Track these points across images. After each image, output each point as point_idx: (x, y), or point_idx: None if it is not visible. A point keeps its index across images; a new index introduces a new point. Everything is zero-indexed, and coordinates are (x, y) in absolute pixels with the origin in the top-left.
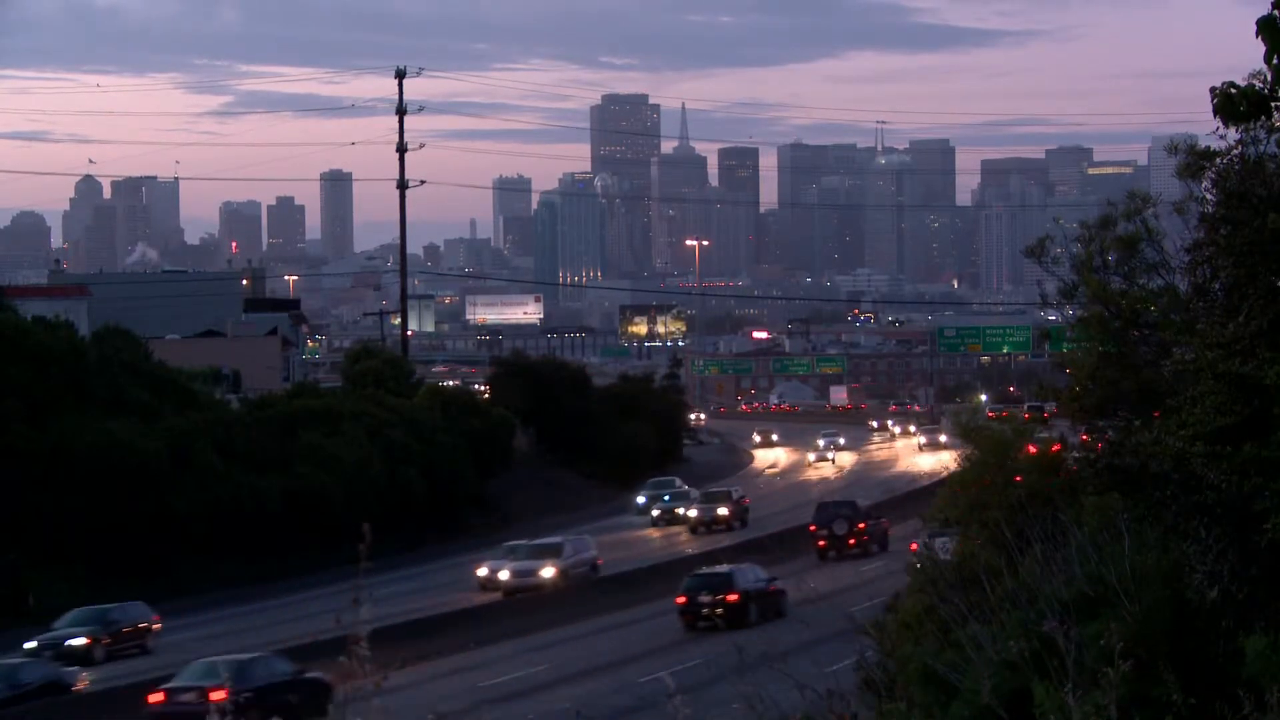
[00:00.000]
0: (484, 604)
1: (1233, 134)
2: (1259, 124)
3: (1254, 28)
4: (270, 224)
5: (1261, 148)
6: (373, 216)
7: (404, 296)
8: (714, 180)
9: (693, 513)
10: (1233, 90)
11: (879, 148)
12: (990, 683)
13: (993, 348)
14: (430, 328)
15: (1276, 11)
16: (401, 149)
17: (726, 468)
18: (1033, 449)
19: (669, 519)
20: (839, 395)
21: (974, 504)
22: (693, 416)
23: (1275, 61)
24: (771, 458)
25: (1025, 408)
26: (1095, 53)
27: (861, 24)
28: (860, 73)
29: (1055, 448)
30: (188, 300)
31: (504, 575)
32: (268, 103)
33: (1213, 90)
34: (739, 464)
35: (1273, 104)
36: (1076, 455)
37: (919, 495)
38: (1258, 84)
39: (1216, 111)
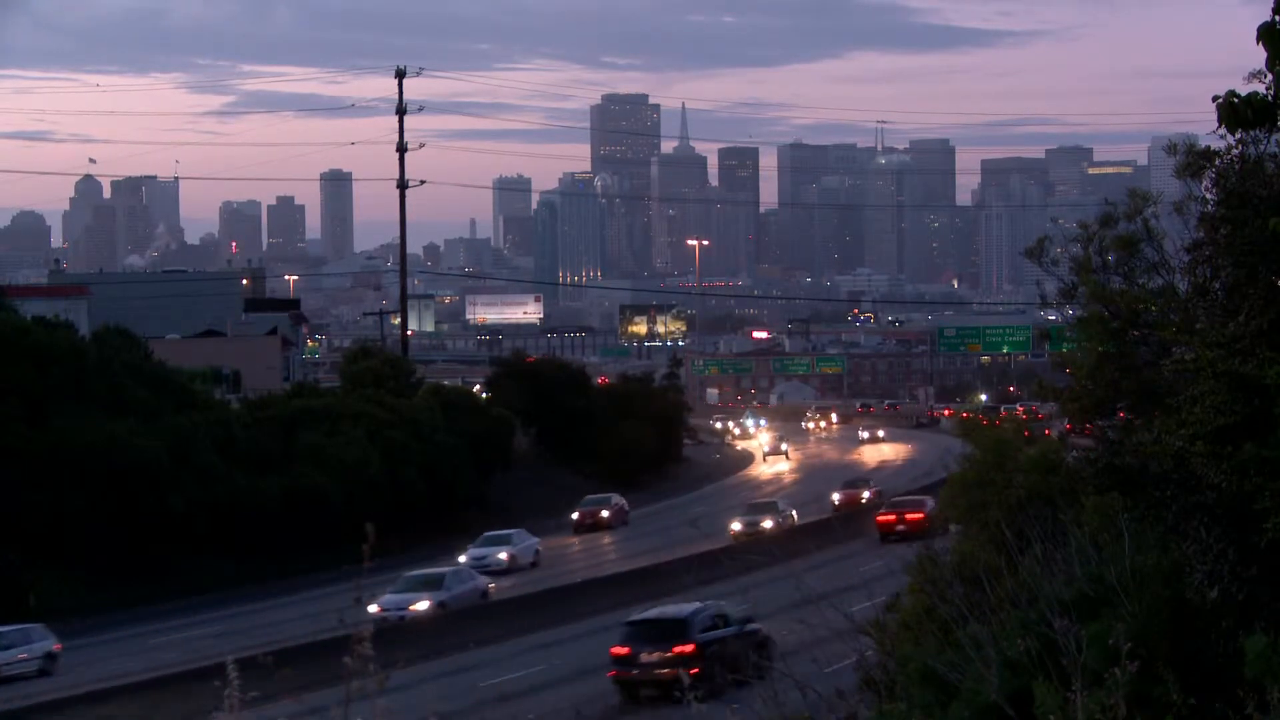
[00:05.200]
0: (484, 604)
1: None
2: (1263, 130)
3: (1254, 27)
4: (270, 224)
5: (1262, 148)
6: (373, 216)
7: (404, 296)
8: (714, 180)
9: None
10: (1236, 99)
11: (879, 148)
12: (994, 681)
13: (993, 348)
14: (430, 328)
15: (1277, 18)
16: (401, 149)
17: (725, 467)
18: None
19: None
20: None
21: (974, 504)
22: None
23: (1277, 68)
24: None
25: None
26: (1095, 53)
27: (863, 24)
28: (861, 73)
29: (1047, 432)
30: (188, 300)
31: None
32: (269, 102)
33: (1216, 99)
34: (738, 464)
35: (1278, 112)
36: (1076, 455)
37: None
38: (1260, 88)
39: (1221, 121)
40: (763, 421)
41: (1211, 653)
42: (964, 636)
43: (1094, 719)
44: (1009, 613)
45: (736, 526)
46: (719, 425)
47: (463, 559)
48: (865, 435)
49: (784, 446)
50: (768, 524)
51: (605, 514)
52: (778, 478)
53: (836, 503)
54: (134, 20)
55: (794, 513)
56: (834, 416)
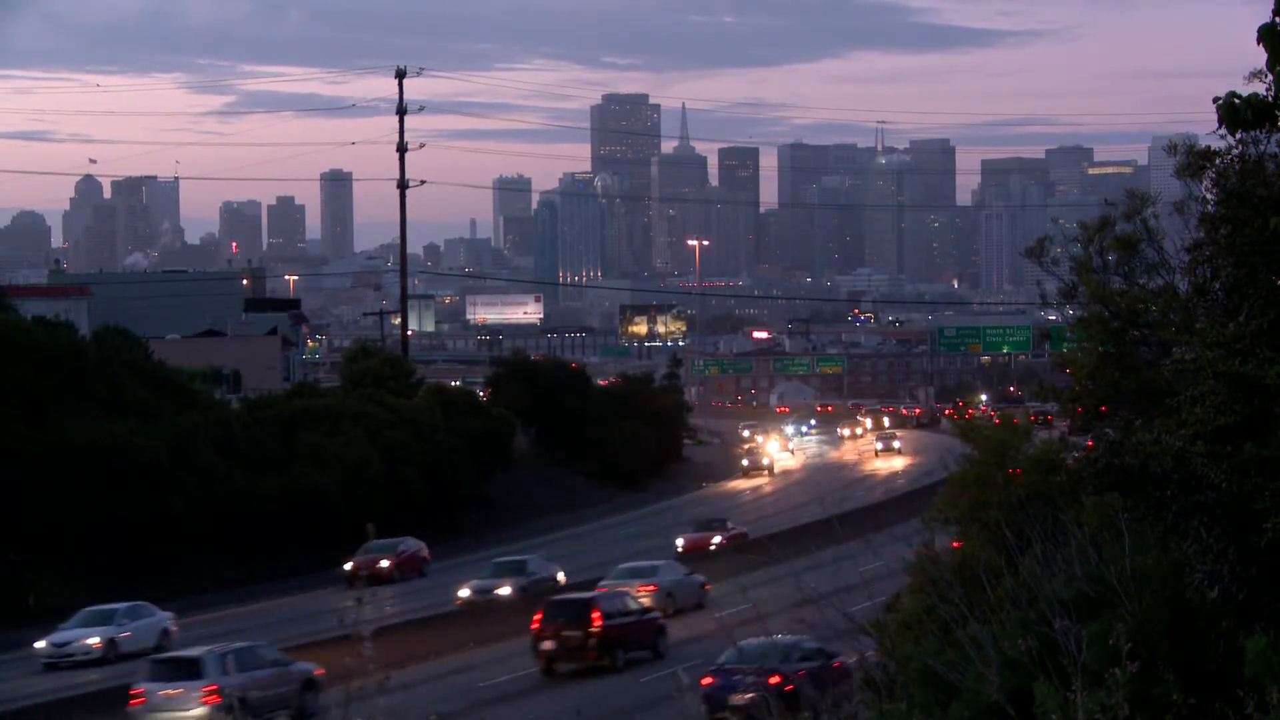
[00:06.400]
0: (484, 603)
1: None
2: (1263, 131)
3: (1254, 27)
4: (270, 224)
5: (1262, 148)
6: (373, 216)
7: (404, 296)
8: (714, 180)
9: None
10: (1236, 100)
11: (879, 148)
12: (995, 681)
13: (993, 348)
14: (430, 327)
15: (1277, 19)
16: (401, 149)
17: (725, 468)
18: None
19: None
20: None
21: (974, 504)
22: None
23: (1278, 69)
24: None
25: (1024, 408)
26: (1095, 53)
27: (863, 24)
28: (861, 73)
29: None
30: (188, 300)
31: None
32: (270, 102)
33: (1216, 100)
34: (729, 471)
35: (1277, 112)
36: (1076, 455)
37: (918, 495)
38: (1260, 89)
39: (1221, 121)
40: (812, 424)
41: (1211, 653)
42: (964, 636)
43: (1094, 719)
44: (1009, 613)
45: (464, 593)
46: (746, 433)
47: (40, 645)
48: (880, 446)
49: (766, 461)
50: (505, 590)
51: (385, 564)
52: (754, 490)
53: (680, 548)
54: (140, 21)
55: (559, 573)
56: (886, 420)
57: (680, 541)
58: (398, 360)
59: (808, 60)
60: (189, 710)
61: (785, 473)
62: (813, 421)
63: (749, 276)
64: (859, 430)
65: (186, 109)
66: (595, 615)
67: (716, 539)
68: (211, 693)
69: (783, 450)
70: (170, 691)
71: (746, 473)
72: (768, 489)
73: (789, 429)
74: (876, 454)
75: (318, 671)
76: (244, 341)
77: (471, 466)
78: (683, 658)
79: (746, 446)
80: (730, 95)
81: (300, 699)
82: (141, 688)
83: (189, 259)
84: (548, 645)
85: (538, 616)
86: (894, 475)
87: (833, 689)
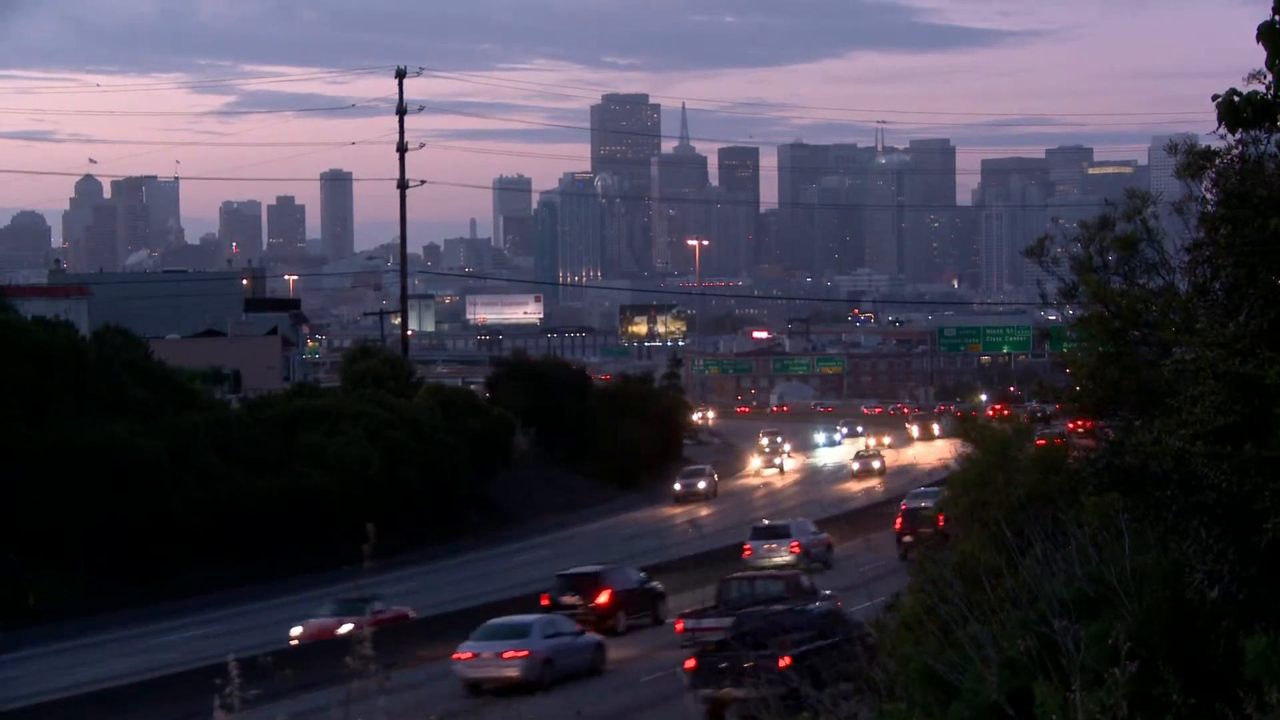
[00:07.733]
0: (483, 603)
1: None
2: (1262, 129)
3: (1254, 27)
4: (270, 224)
5: (1262, 148)
6: (373, 216)
7: (404, 296)
8: (714, 180)
9: None
10: (1236, 98)
11: (879, 148)
12: (995, 681)
13: (993, 347)
14: (430, 328)
15: (1277, 17)
16: (401, 149)
17: (725, 468)
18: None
19: None
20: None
21: (974, 504)
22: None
23: (1277, 67)
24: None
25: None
26: (1095, 53)
27: (863, 24)
28: (862, 73)
29: (1058, 441)
30: (188, 300)
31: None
32: (270, 102)
33: (1215, 98)
34: (737, 465)
35: (1277, 110)
36: (1076, 455)
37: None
38: (1260, 88)
39: (1220, 119)
40: (859, 430)
41: (1211, 653)
42: (964, 636)
43: (1094, 719)
44: (1009, 613)
45: None
46: (764, 440)
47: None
48: (857, 467)
49: (702, 484)
50: None
51: None
52: (689, 510)
53: (295, 639)
54: (141, 21)
55: None
56: (935, 428)
57: (297, 630)
58: (398, 360)
59: (808, 60)
60: (782, 557)
61: (739, 493)
62: (860, 428)
63: (749, 276)
64: (886, 440)
65: (187, 109)
66: (940, 516)
67: (347, 626)
68: (795, 546)
69: (768, 466)
70: (770, 546)
71: (678, 499)
72: (704, 510)
73: (820, 436)
74: (854, 475)
75: (828, 540)
76: (244, 341)
77: (471, 466)
78: None
79: (762, 450)
80: (730, 95)
81: (827, 555)
82: (750, 544)
83: (189, 259)
84: (907, 539)
85: (899, 518)
86: (893, 473)
87: None
